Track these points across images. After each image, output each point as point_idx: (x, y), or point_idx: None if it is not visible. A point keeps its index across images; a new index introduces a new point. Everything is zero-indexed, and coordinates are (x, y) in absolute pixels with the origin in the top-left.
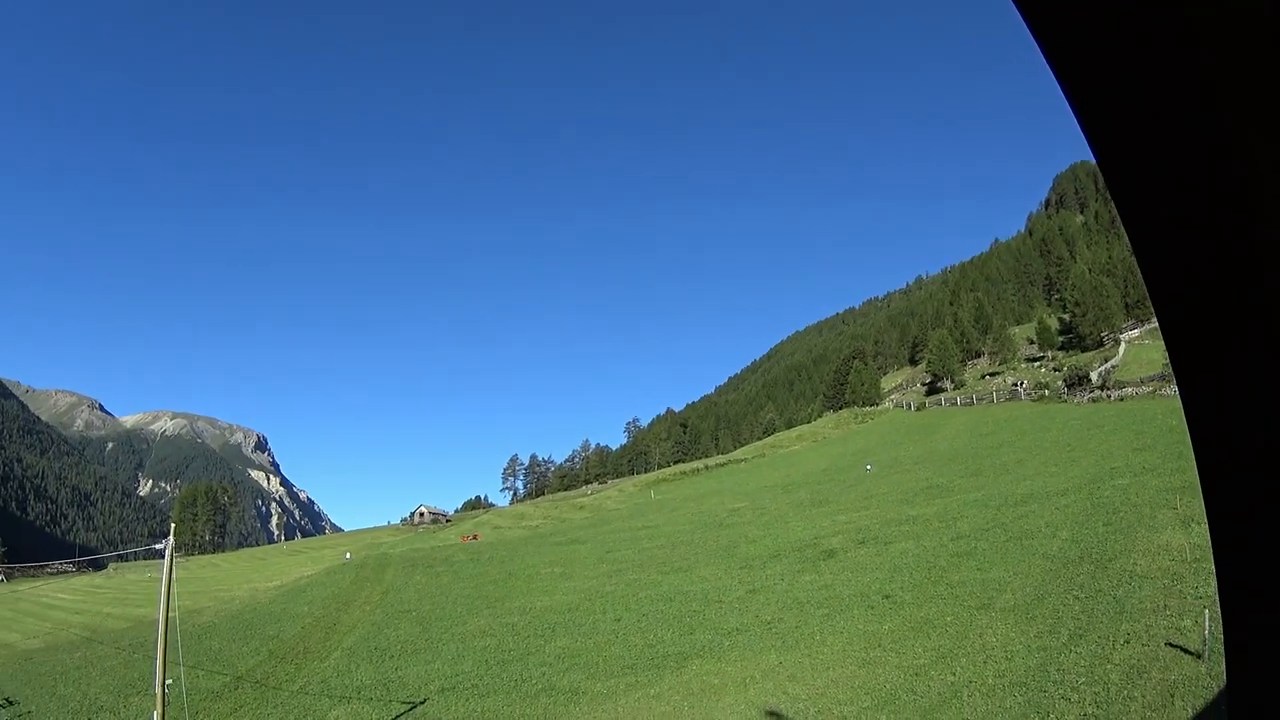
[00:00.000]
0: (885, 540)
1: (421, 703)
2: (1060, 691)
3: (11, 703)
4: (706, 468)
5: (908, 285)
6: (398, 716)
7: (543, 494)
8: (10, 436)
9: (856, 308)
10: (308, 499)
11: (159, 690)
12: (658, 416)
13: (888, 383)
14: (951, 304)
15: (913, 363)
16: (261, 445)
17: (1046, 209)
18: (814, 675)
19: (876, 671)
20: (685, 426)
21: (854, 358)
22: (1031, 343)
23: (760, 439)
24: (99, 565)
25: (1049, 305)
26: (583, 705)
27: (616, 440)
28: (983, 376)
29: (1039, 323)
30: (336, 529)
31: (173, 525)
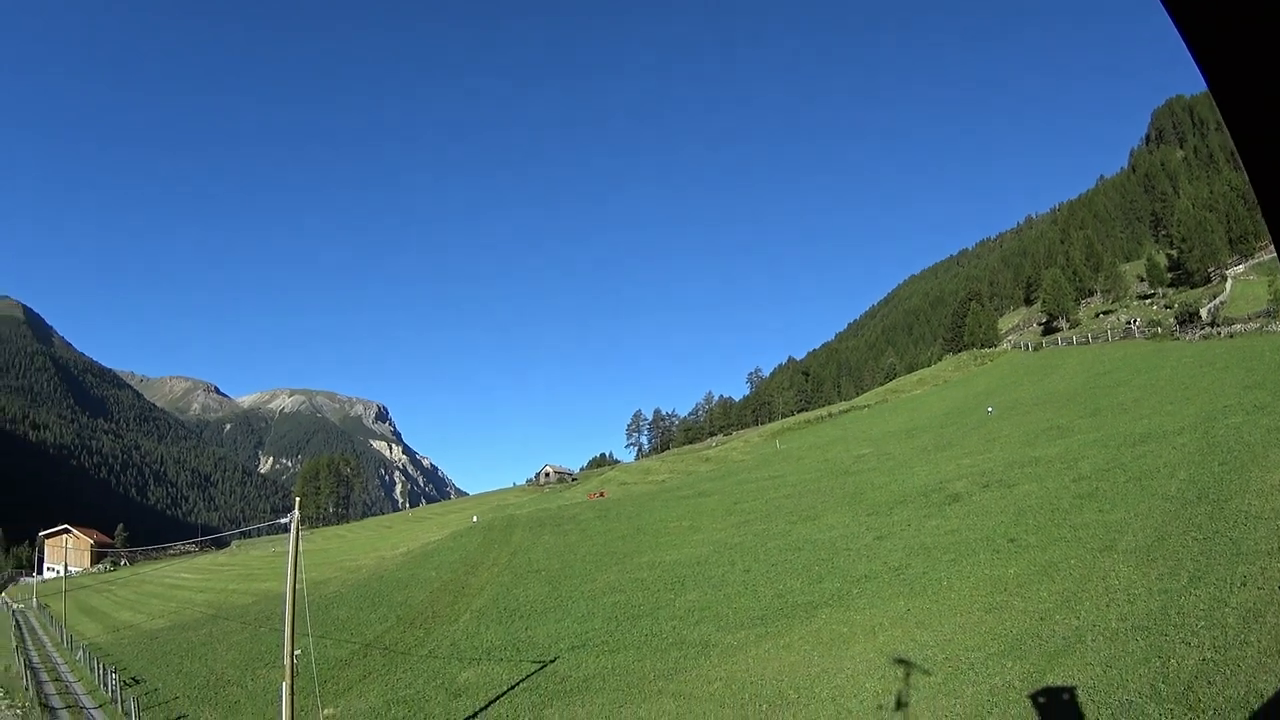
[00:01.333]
0: (1009, 483)
1: (552, 661)
2: (1180, 635)
3: (138, 681)
4: (830, 415)
5: (1018, 225)
6: (528, 675)
7: (667, 448)
8: (127, 425)
9: (970, 249)
10: (431, 465)
11: (288, 661)
12: (779, 366)
13: (1004, 323)
14: (1062, 242)
15: (1028, 303)
16: (382, 415)
17: (1147, 144)
18: (941, 622)
19: (1003, 616)
20: (807, 375)
21: (970, 299)
22: (1141, 280)
23: (881, 384)
24: (222, 544)
25: (1155, 242)
26: (713, 658)
27: (739, 391)
28: (1096, 315)
29: (1148, 259)
30: (461, 493)
31: (297, 499)
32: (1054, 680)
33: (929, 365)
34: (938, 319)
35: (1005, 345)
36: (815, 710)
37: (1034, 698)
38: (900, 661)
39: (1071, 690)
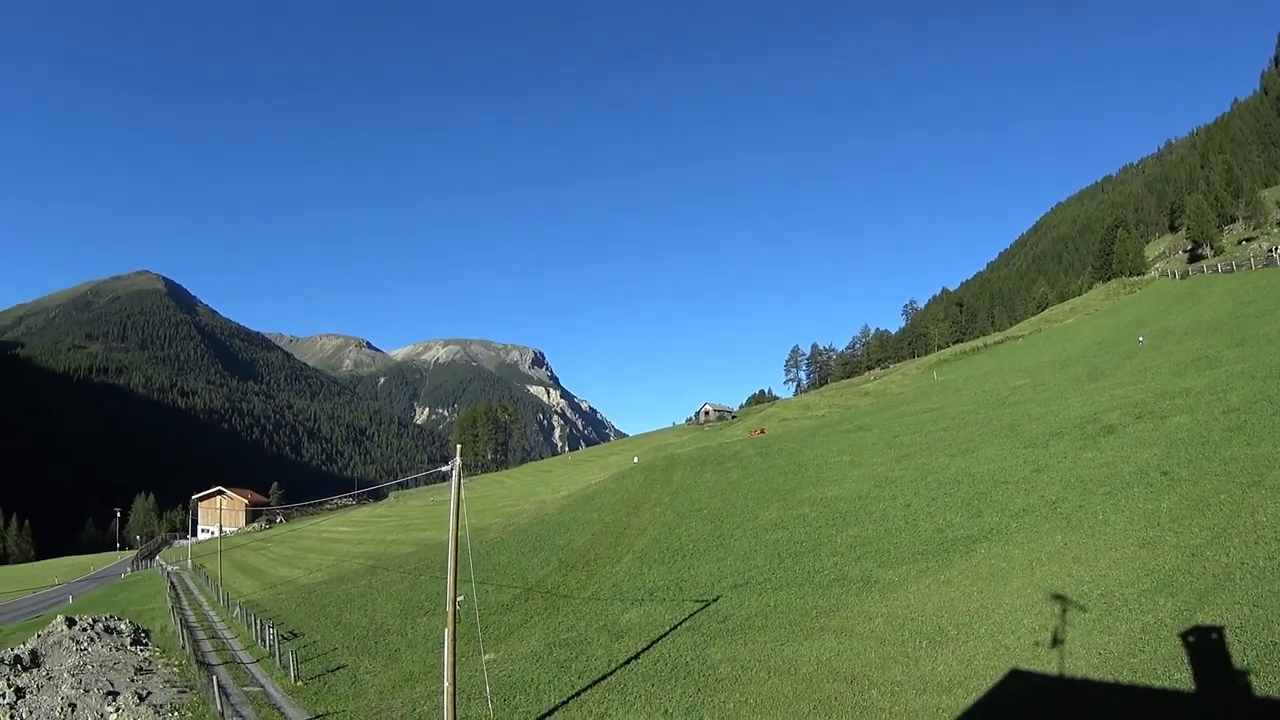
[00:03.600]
0: (1160, 414)
1: (714, 600)
2: None
3: (296, 634)
4: (985, 346)
5: (1159, 150)
6: (691, 615)
7: (825, 383)
8: (278, 385)
9: (1114, 175)
10: (589, 408)
11: (450, 607)
12: (933, 297)
13: (1151, 251)
14: (1202, 168)
15: (1172, 229)
16: (539, 361)
17: (1277, 66)
18: (1096, 557)
19: (1155, 552)
20: (961, 305)
21: (1116, 227)
22: None
23: (1034, 314)
24: (379, 496)
25: None
26: (874, 594)
27: (894, 324)
28: (1240, 242)
29: None
30: (621, 435)
31: (457, 447)
32: (1203, 619)
33: (1079, 294)
34: (1086, 247)
35: (1153, 273)
36: (974, 646)
37: (1184, 636)
38: (1056, 597)
39: (1220, 630)
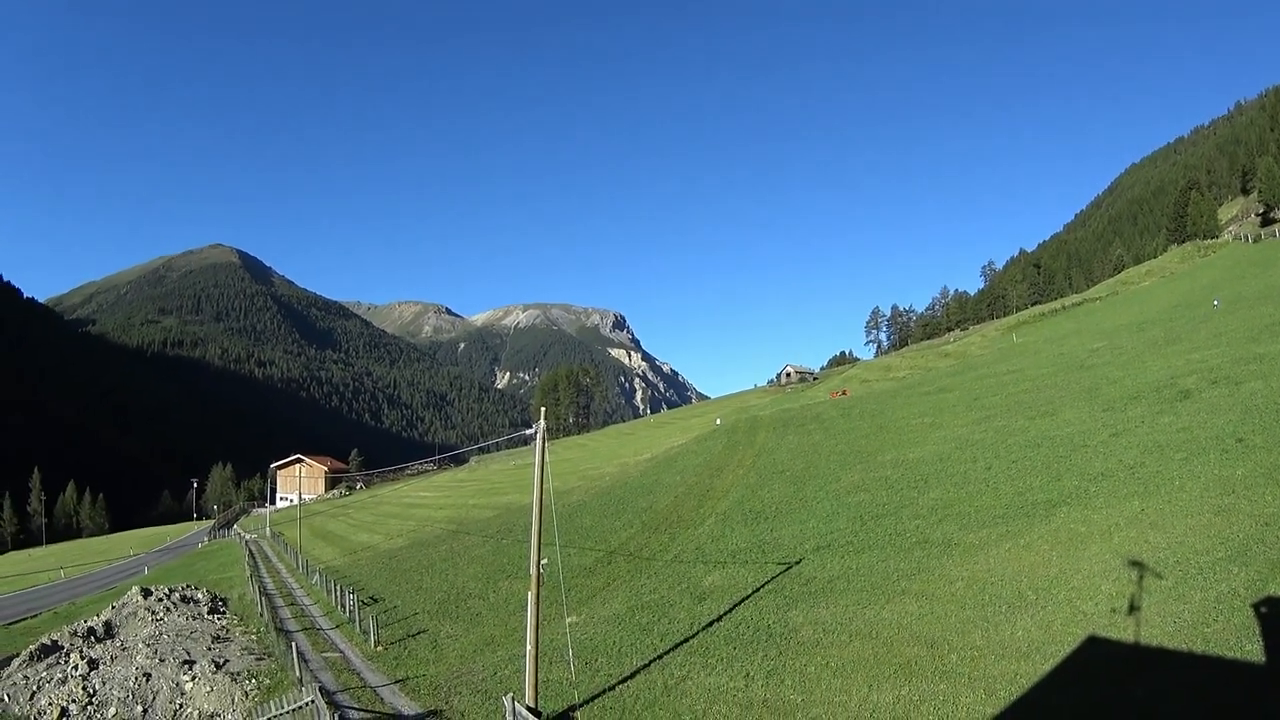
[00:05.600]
0: (1236, 380)
1: (797, 563)
2: None
3: (375, 600)
4: (1063, 308)
5: (1229, 111)
6: (773, 578)
7: (906, 344)
8: (356, 353)
9: (1185, 136)
10: (671, 371)
11: (534, 571)
12: (1011, 258)
13: (1224, 213)
14: (1272, 129)
15: (1244, 192)
16: (620, 324)
17: None
18: (1173, 523)
19: (1230, 519)
20: (1038, 267)
21: (1189, 189)
22: None
23: (1111, 276)
24: (460, 461)
25: None
26: (955, 557)
27: (973, 285)
28: None
29: None
30: (703, 397)
31: (542, 410)
32: (1275, 590)
33: (1154, 256)
34: (1160, 209)
35: (1226, 236)
36: (1052, 612)
37: (1256, 607)
38: (1133, 564)
39: None
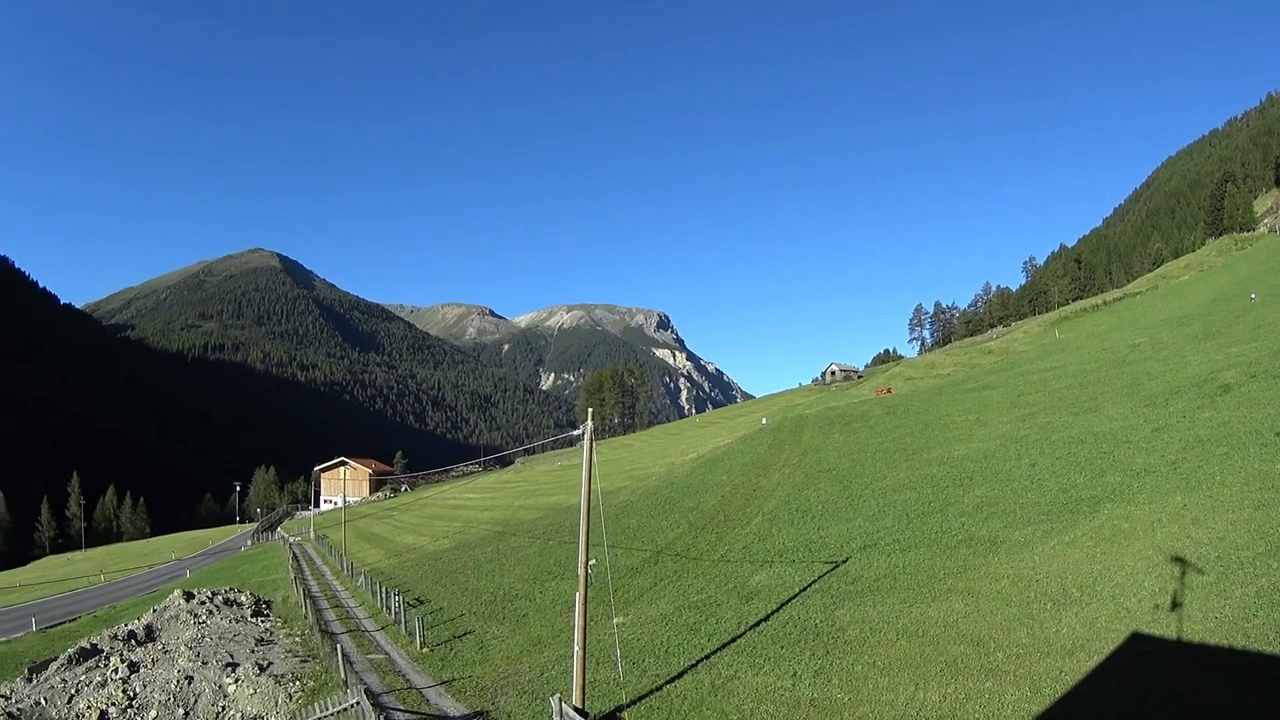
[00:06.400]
0: (1274, 374)
1: (844, 561)
2: None
3: (421, 601)
4: (1105, 303)
5: (1261, 102)
6: (820, 577)
7: (949, 341)
8: (400, 356)
9: (1220, 128)
10: (716, 370)
11: (582, 571)
12: (1052, 254)
13: (1259, 205)
14: None
15: (1278, 184)
16: (664, 324)
17: None
18: (1214, 518)
19: (1270, 514)
20: (1079, 262)
21: (1225, 182)
22: None
23: (1150, 270)
24: (506, 462)
25: None
26: (1000, 555)
27: (1014, 280)
28: None
29: None
30: (748, 396)
31: (589, 411)
32: None
33: (1193, 250)
34: (1197, 202)
35: (1261, 228)
36: (1096, 609)
37: None
38: (1176, 559)
39: None
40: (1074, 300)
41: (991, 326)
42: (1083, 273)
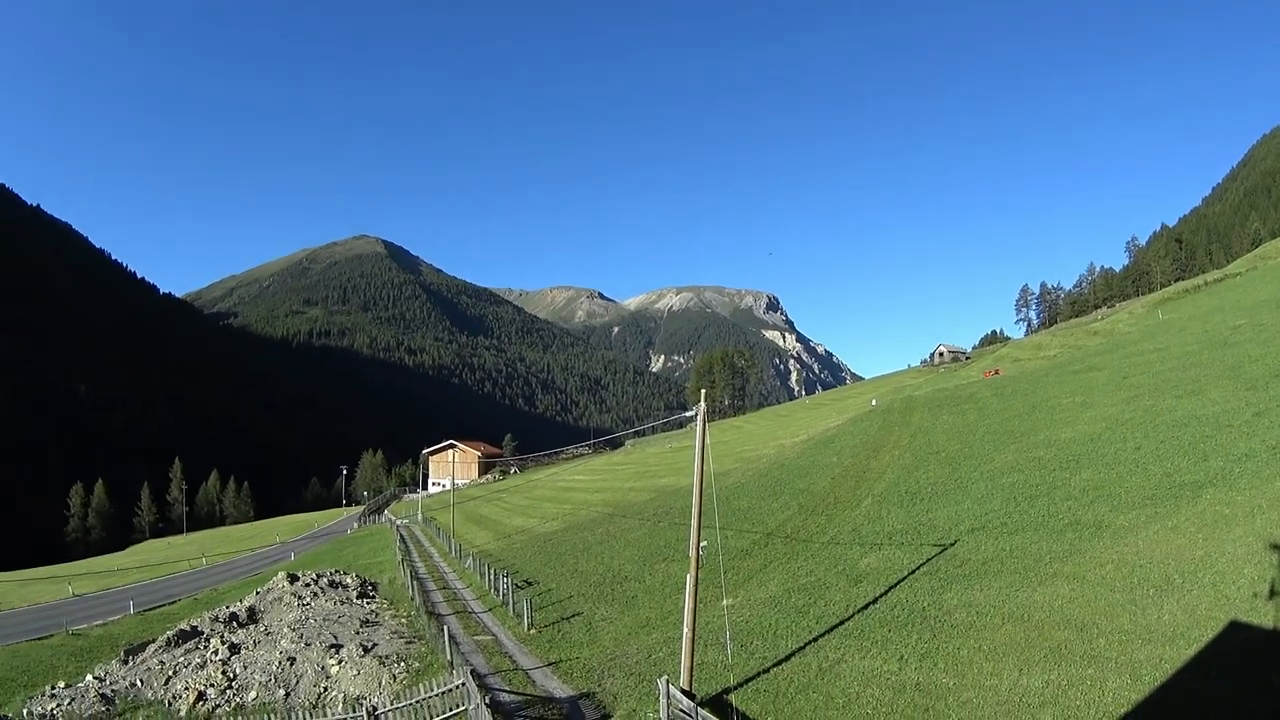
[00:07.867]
0: None
1: (952, 544)
2: None
3: (530, 583)
4: (1205, 284)
5: None
6: (928, 560)
7: (1055, 322)
8: (508, 339)
9: None
10: (825, 352)
11: (693, 553)
12: (1154, 234)
13: None
14: None
15: None
16: (774, 305)
17: None
18: None
19: None
20: (1180, 242)
21: None
22: None
23: (1249, 250)
24: (616, 444)
25: None
26: (1105, 539)
27: (1117, 260)
28: None
29: None
30: (857, 378)
31: (701, 391)
32: None
33: None
34: None
35: None
36: (1197, 596)
37: None
38: (1275, 547)
39: None
40: (1176, 281)
41: (1096, 307)
42: (1184, 253)
